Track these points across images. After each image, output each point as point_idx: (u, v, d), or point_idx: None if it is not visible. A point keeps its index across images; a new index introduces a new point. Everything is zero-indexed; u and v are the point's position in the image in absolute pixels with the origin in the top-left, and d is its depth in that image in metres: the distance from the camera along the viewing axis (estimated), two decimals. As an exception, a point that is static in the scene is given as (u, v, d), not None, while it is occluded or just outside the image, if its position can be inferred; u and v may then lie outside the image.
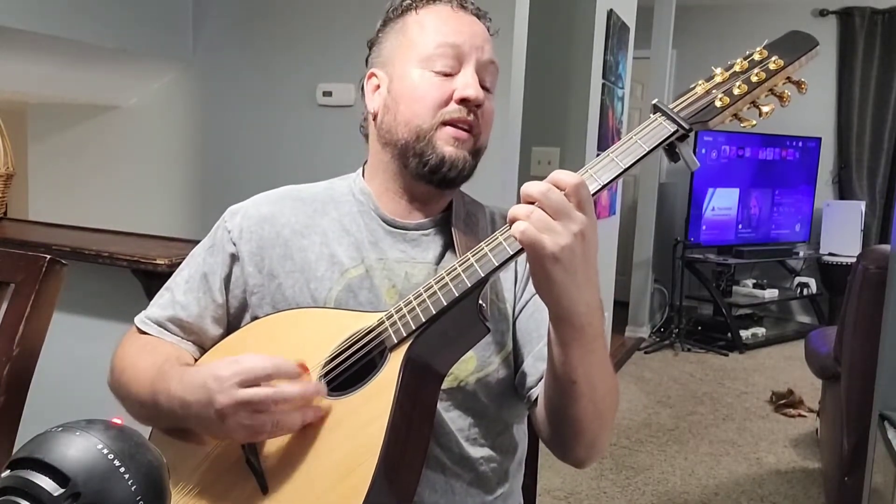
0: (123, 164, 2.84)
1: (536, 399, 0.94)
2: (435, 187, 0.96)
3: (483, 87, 0.94)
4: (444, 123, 0.92)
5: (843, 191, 5.33)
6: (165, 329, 1.00)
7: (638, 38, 3.84)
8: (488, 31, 0.99)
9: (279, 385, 0.78)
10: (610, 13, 3.23)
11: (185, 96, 2.71)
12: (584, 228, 0.72)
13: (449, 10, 0.96)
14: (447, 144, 0.93)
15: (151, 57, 2.59)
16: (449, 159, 0.92)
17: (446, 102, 0.92)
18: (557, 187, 0.73)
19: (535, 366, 0.95)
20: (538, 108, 2.96)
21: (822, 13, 5.25)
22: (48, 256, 1.07)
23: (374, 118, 0.99)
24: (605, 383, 0.84)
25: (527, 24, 2.35)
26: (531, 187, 0.73)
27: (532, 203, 0.73)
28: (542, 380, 0.92)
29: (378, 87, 0.99)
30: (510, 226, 0.75)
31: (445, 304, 0.80)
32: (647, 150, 0.77)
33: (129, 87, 2.76)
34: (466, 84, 0.92)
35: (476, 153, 0.96)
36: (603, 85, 3.26)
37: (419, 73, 0.93)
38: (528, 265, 1.00)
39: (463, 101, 0.92)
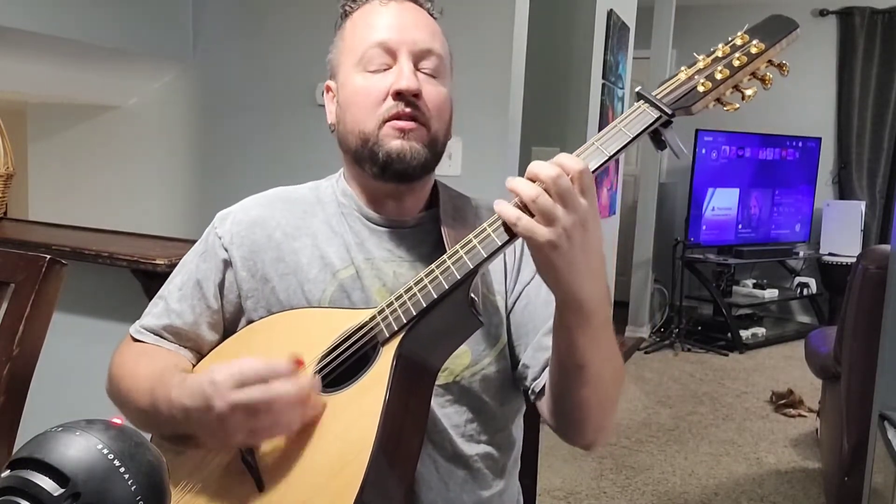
0: (123, 164, 2.84)
1: (542, 389, 0.93)
2: (396, 184, 0.94)
3: (426, 74, 0.93)
4: (386, 121, 0.91)
5: (843, 191, 5.33)
6: (161, 338, 0.99)
7: (638, 38, 3.83)
8: (430, 13, 0.96)
9: (274, 384, 0.78)
10: (610, 13, 3.23)
11: (185, 96, 2.71)
12: (585, 217, 0.71)
13: (377, 6, 0.94)
14: (392, 139, 0.91)
15: (151, 57, 2.58)
16: (396, 152, 0.90)
17: (383, 100, 0.91)
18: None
19: (535, 357, 0.94)
20: (538, 108, 2.96)
21: (822, 13, 5.25)
22: (48, 256, 1.07)
23: (334, 130, 0.99)
24: (612, 369, 0.84)
25: (527, 24, 2.34)
26: (543, 169, 0.71)
27: (533, 182, 0.71)
28: (546, 368, 0.92)
29: (334, 96, 0.99)
30: (500, 209, 0.73)
31: (436, 296, 0.79)
32: (631, 136, 0.77)
33: (129, 87, 2.76)
34: (399, 76, 0.90)
35: (432, 143, 0.93)
36: (603, 85, 3.26)
37: (359, 77, 0.93)
38: (521, 256, 1.00)
39: (398, 95, 0.90)
